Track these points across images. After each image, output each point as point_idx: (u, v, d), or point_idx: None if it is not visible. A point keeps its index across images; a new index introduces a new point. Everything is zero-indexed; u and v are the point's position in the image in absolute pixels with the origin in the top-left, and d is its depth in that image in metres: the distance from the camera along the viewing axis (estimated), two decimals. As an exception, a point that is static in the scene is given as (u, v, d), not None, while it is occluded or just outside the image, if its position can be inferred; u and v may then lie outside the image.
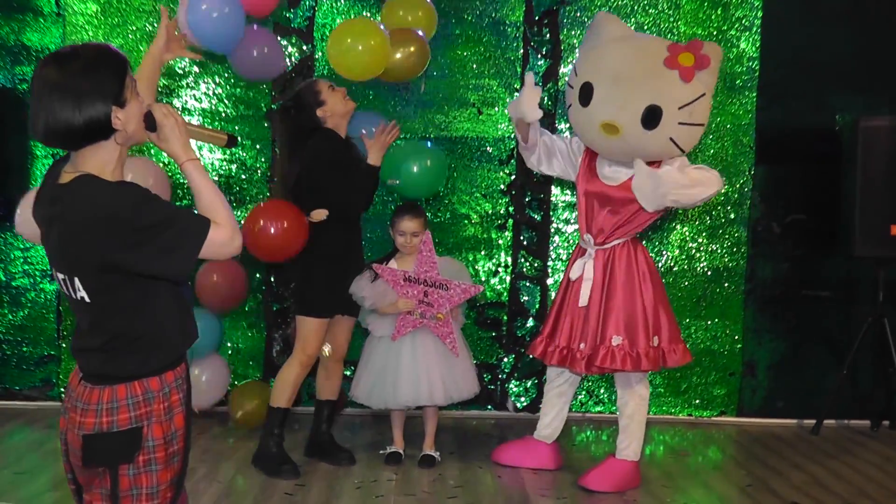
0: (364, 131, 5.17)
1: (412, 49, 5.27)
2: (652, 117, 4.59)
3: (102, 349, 2.58)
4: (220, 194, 2.58)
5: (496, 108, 6.22)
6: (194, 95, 6.18)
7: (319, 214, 4.88)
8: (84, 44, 2.58)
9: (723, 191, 4.87)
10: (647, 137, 4.64)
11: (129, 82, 2.49)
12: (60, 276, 2.55)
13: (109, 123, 2.45)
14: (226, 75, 6.10)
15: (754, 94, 6.22)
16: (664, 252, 6.28)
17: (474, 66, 6.22)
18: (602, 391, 6.31)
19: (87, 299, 2.53)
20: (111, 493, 2.58)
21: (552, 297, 5.62)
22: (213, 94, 6.18)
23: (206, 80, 6.18)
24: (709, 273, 6.32)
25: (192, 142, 2.64)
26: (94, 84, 2.43)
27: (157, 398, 2.60)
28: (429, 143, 5.98)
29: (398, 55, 5.23)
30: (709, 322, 6.32)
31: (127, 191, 2.46)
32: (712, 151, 6.22)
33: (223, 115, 6.16)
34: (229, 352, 6.19)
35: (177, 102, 6.16)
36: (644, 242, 6.09)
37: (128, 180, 2.54)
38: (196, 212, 2.54)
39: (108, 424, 2.55)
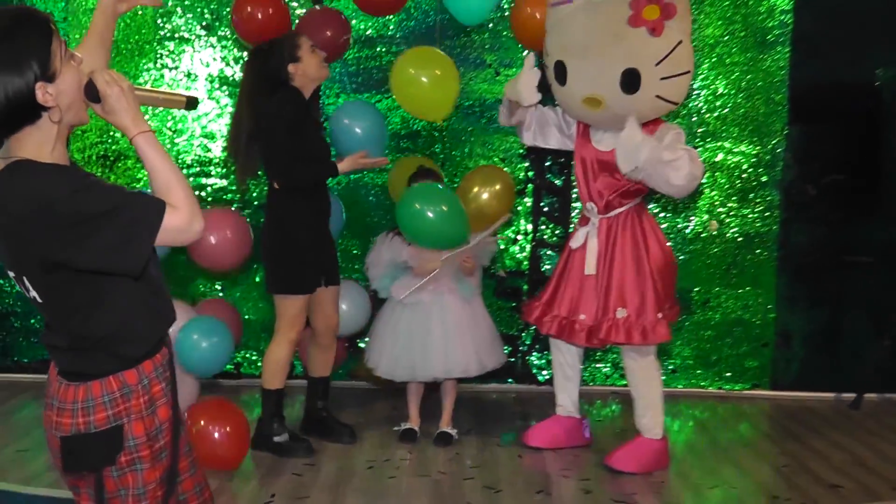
0: None
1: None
2: (631, 81, 4.40)
3: (69, 348, 2.33)
4: (178, 171, 2.27)
5: (514, 69, 5.91)
6: (200, 60, 5.94)
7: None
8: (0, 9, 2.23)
9: (703, 180, 4.59)
10: (632, 101, 4.44)
11: (57, 50, 2.18)
12: (11, 273, 2.29)
13: (35, 101, 2.15)
14: (235, 38, 5.83)
15: (787, 49, 5.89)
16: (692, 217, 5.98)
17: (490, 24, 5.91)
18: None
19: (38, 299, 2.28)
20: (96, 497, 2.35)
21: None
22: (220, 58, 5.93)
23: (212, 45, 5.95)
24: (739, 239, 6.02)
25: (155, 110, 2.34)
26: (10, 58, 2.12)
27: (136, 392, 2.34)
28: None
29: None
30: (740, 290, 6.03)
31: (63, 177, 2.16)
32: (742, 111, 5.93)
33: (230, 79, 5.92)
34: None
35: (183, 67, 5.92)
36: (669, 207, 5.86)
37: (67, 164, 2.25)
38: (147, 194, 2.24)
39: (85, 425, 2.30)
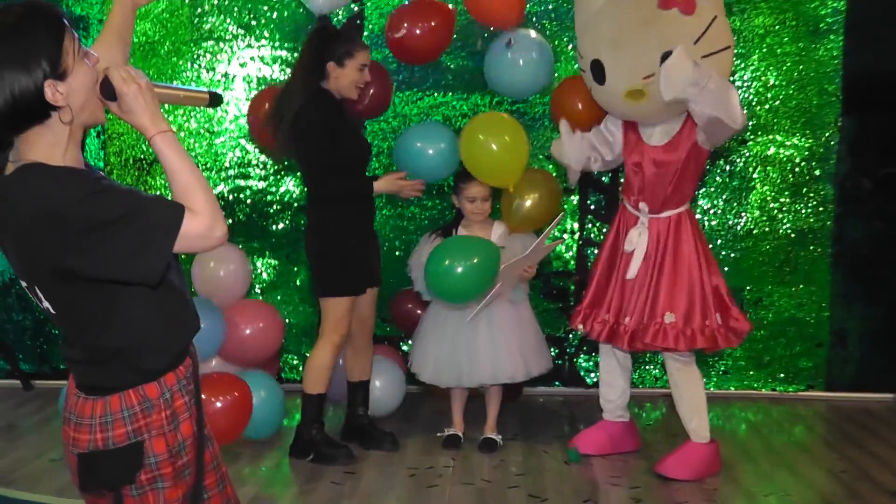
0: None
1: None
2: None
3: (86, 361, 2.22)
4: (200, 174, 2.14)
5: (559, 63, 5.76)
6: (240, 61, 5.86)
7: None
8: (8, 4, 2.10)
9: (741, 129, 4.40)
10: None
11: (69, 47, 2.06)
12: (24, 283, 2.18)
13: (44, 100, 2.04)
14: (273, 38, 5.77)
15: (840, 38, 5.69)
16: (743, 213, 5.79)
17: (534, 18, 5.77)
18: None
19: (51, 310, 2.17)
20: None
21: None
22: (258, 57, 5.84)
23: (250, 44, 5.87)
24: (792, 235, 5.82)
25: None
26: (18, 54, 2.01)
27: (158, 406, 2.22)
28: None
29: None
30: (793, 289, 5.84)
31: (75, 180, 2.04)
32: (794, 103, 5.74)
33: (268, 79, 5.83)
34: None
35: (220, 68, 5.84)
36: (720, 203, 5.69)
37: (80, 167, 2.13)
38: (165, 199, 2.12)
39: (104, 441, 2.18)
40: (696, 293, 4.42)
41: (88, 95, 2.12)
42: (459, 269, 4.40)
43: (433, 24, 4.99)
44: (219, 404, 4.51)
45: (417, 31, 4.98)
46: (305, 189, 4.76)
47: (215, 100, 2.37)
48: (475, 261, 4.42)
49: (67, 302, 2.14)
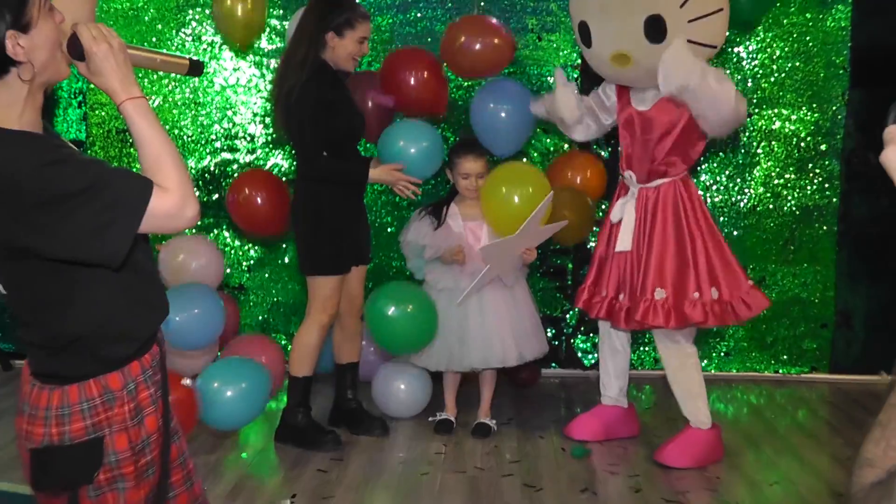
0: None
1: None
2: (656, 29, 4.07)
3: (42, 346, 2.03)
4: (173, 146, 1.99)
5: (558, 33, 5.56)
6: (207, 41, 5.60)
7: None
8: None
9: (745, 119, 4.24)
10: (661, 51, 4.07)
11: None
12: None
13: (3, 53, 1.86)
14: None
15: (848, 8, 5.51)
16: (746, 190, 5.60)
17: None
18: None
19: (2, 290, 1.99)
20: None
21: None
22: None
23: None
24: (797, 212, 5.65)
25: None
26: None
27: (120, 399, 2.04)
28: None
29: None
30: (797, 268, 5.67)
31: (33, 147, 1.86)
32: (800, 76, 5.56)
33: (258, 47, 5.66)
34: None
35: (206, 37, 5.62)
36: (723, 179, 5.51)
37: (38, 132, 1.95)
38: (132, 172, 1.95)
39: (60, 436, 2.00)
40: (687, 266, 4.23)
41: (52, 53, 1.94)
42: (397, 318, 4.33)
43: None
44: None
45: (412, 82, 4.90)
46: (295, 163, 4.54)
47: (196, 67, 2.22)
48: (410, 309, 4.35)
49: (21, 282, 1.97)
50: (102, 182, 1.85)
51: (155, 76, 5.66)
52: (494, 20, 5.02)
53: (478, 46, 4.84)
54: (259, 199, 4.98)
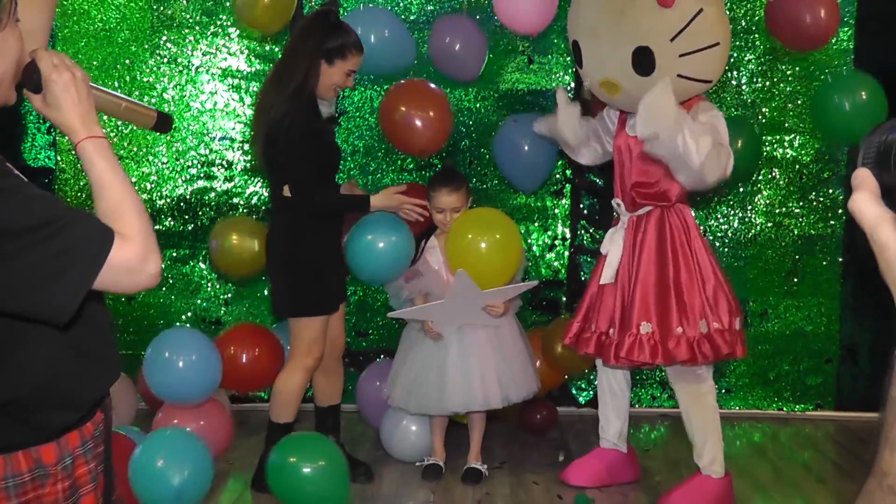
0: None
1: None
2: (643, 61, 3.83)
3: None
4: (135, 192, 1.75)
5: (550, 55, 5.33)
6: (202, 50, 5.38)
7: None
8: None
9: (728, 176, 3.99)
10: (650, 84, 3.80)
11: (8, 3, 1.64)
12: None
13: None
14: (240, 25, 5.29)
15: (851, 30, 5.29)
16: (747, 219, 5.39)
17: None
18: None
19: None
20: None
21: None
22: (224, 47, 5.38)
23: (216, 33, 5.40)
24: (800, 242, 5.40)
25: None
26: None
27: (54, 476, 1.74)
28: None
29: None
30: (800, 300, 5.43)
31: None
32: (802, 100, 5.31)
33: (236, 70, 5.37)
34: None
35: (182, 59, 5.37)
36: (724, 209, 5.28)
37: None
38: (92, 215, 1.69)
39: None
40: (669, 298, 3.95)
41: (9, 68, 1.68)
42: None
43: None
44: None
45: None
46: (272, 196, 4.26)
47: (164, 122, 2.01)
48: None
49: None
50: (54, 223, 1.59)
51: (123, 84, 5.38)
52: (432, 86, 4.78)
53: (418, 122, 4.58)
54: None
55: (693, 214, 4.12)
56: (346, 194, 4.20)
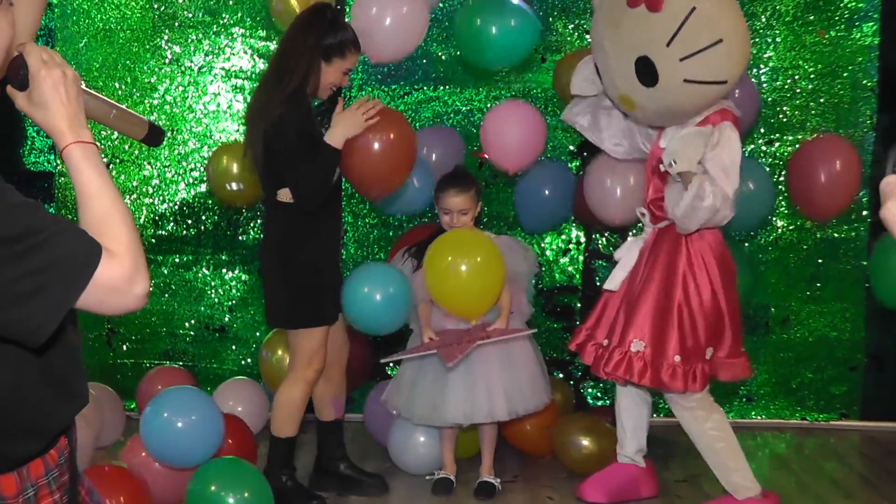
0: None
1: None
2: (645, 71, 3.68)
3: None
4: (123, 203, 1.62)
5: (562, 54, 5.16)
6: (205, 50, 5.26)
7: (286, 195, 3.87)
8: None
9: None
10: (661, 95, 3.70)
11: None
12: None
13: None
14: (245, 22, 5.15)
15: (876, 25, 5.11)
16: (768, 222, 5.19)
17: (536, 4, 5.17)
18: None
19: None
20: None
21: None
22: (227, 47, 5.23)
23: (218, 31, 5.25)
24: (823, 246, 5.22)
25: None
26: None
27: None
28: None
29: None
30: (824, 306, 5.23)
31: None
32: (824, 99, 5.14)
33: (240, 70, 5.21)
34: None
35: (183, 59, 5.22)
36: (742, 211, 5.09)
37: None
38: (78, 227, 1.55)
39: None
40: (671, 322, 3.76)
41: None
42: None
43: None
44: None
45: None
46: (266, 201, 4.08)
47: (154, 134, 1.89)
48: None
49: None
50: (37, 234, 1.46)
51: (124, 85, 5.25)
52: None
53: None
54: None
55: (720, 235, 3.92)
56: (318, 161, 3.79)
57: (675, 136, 3.70)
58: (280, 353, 4.65)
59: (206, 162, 5.22)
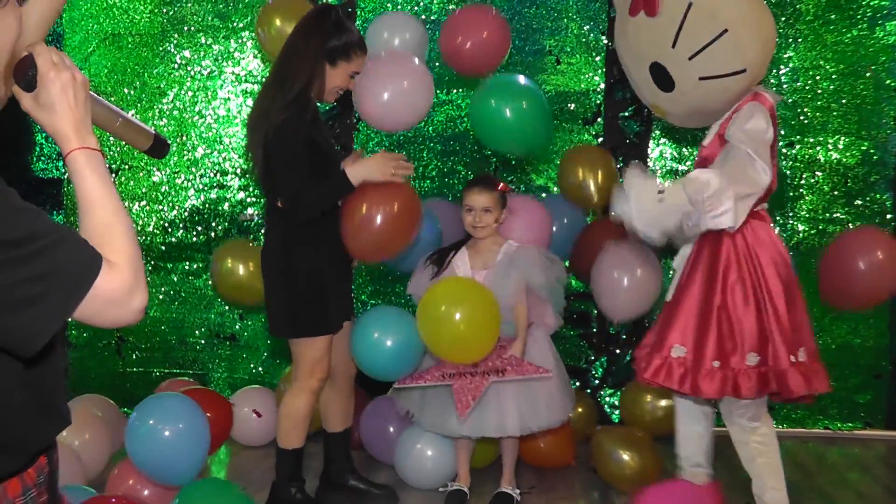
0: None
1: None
2: (661, 77, 3.64)
3: None
4: (125, 213, 1.59)
5: (577, 56, 5.06)
6: (214, 54, 5.20)
7: None
8: None
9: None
10: (682, 98, 3.64)
11: None
12: None
13: None
14: (255, 26, 5.05)
15: (898, 25, 4.99)
16: (789, 226, 5.10)
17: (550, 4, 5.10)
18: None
19: None
20: None
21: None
22: (237, 51, 5.16)
23: (228, 35, 5.19)
24: (845, 251, 5.07)
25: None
26: None
27: None
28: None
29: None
30: (846, 312, 5.05)
31: None
32: (847, 99, 5.04)
33: (249, 74, 5.15)
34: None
35: (192, 64, 5.15)
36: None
37: None
38: (79, 236, 1.51)
39: None
40: (711, 325, 3.55)
41: (3, 53, 1.53)
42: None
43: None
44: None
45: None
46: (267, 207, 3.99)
47: (159, 146, 1.89)
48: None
49: None
50: (38, 240, 1.42)
51: (133, 97, 5.19)
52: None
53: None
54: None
55: (770, 230, 3.70)
56: (324, 183, 3.74)
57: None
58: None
59: (215, 167, 5.15)
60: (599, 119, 5.08)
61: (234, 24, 5.17)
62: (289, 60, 3.74)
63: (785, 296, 3.56)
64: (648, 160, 5.05)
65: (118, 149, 5.22)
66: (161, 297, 5.30)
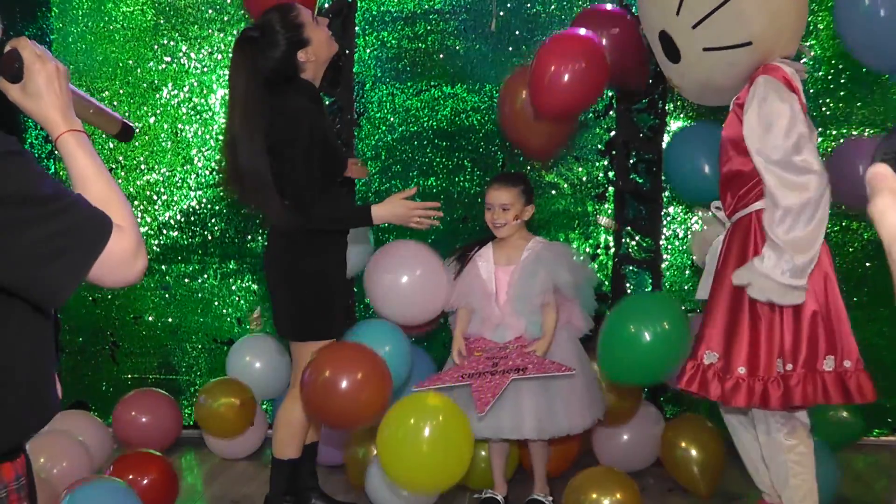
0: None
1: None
2: (668, 47, 3.64)
3: None
4: (117, 185, 1.76)
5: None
6: (209, 48, 5.07)
7: None
8: None
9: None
10: (688, 70, 3.64)
11: None
12: None
13: None
14: (249, 19, 4.90)
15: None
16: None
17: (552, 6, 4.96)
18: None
19: None
20: None
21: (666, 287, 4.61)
22: (230, 46, 4.96)
23: (223, 28, 5.06)
24: (870, 248, 4.93)
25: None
26: None
27: None
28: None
29: None
30: (872, 311, 4.92)
31: None
32: (870, 90, 4.86)
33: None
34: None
35: (183, 59, 5.01)
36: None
37: None
38: (90, 202, 1.67)
39: None
40: (741, 328, 3.35)
41: None
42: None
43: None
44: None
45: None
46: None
47: (126, 131, 2.10)
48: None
49: None
50: (63, 198, 1.60)
51: (135, 98, 5.04)
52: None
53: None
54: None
55: None
56: (342, 209, 3.73)
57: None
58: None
59: (210, 164, 5.00)
60: (611, 112, 4.88)
61: (230, 14, 5.05)
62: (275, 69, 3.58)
63: (818, 298, 3.34)
64: (664, 155, 4.83)
65: (110, 146, 5.08)
66: (156, 300, 5.15)
